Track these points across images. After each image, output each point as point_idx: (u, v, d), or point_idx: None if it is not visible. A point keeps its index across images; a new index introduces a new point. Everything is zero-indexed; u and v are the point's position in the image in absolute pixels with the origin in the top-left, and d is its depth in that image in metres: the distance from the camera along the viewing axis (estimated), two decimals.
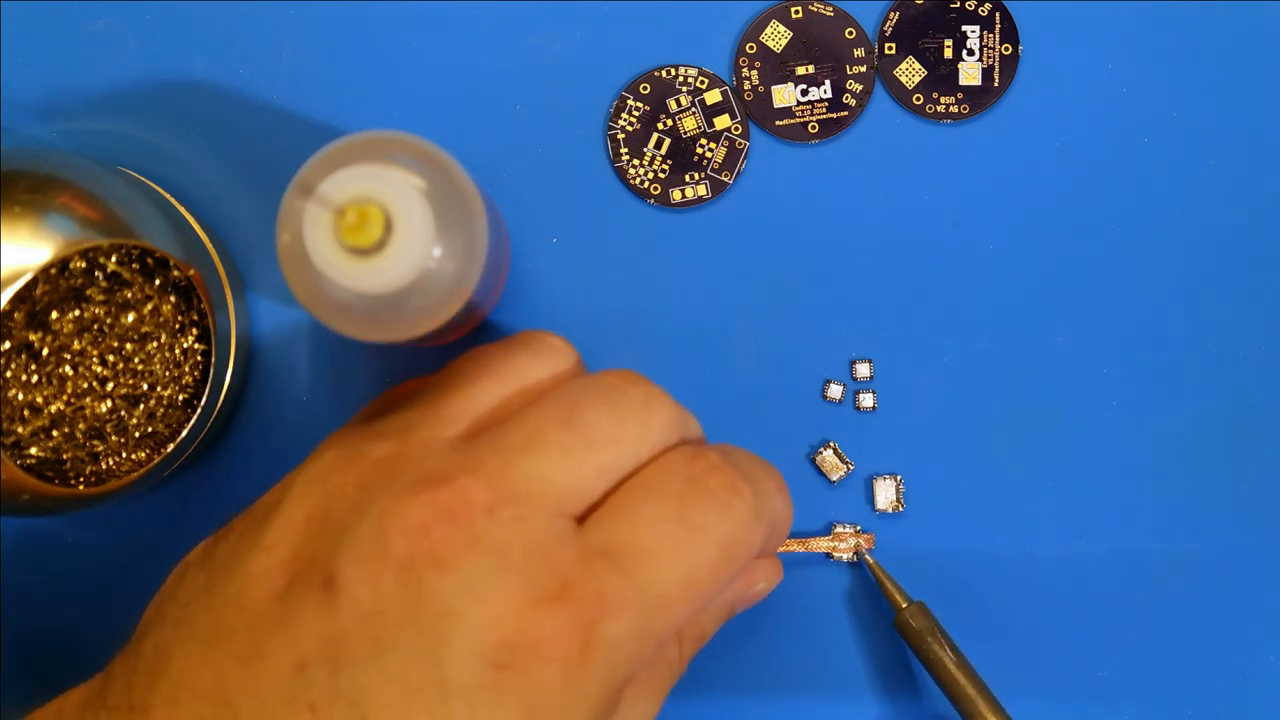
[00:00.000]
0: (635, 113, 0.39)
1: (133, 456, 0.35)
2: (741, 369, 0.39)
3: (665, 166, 0.39)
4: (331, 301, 0.30)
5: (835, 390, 0.39)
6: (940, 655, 0.37)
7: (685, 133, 0.40)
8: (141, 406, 0.35)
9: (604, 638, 0.27)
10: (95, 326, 0.34)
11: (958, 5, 0.40)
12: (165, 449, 0.36)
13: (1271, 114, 0.40)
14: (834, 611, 0.39)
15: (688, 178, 0.39)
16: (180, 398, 0.36)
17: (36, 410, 0.34)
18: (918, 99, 0.40)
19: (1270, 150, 0.40)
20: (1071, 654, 0.39)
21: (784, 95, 0.40)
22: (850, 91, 0.40)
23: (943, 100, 0.40)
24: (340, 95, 0.39)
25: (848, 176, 0.40)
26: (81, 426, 0.34)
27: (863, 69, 0.40)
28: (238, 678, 0.26)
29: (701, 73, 0.40)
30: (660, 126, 0.39)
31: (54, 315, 0.33)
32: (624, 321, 0.39)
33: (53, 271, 0.33)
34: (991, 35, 0.40)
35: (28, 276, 0.32)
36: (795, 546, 0.39)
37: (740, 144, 0.40)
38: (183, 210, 0.38)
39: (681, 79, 0.39)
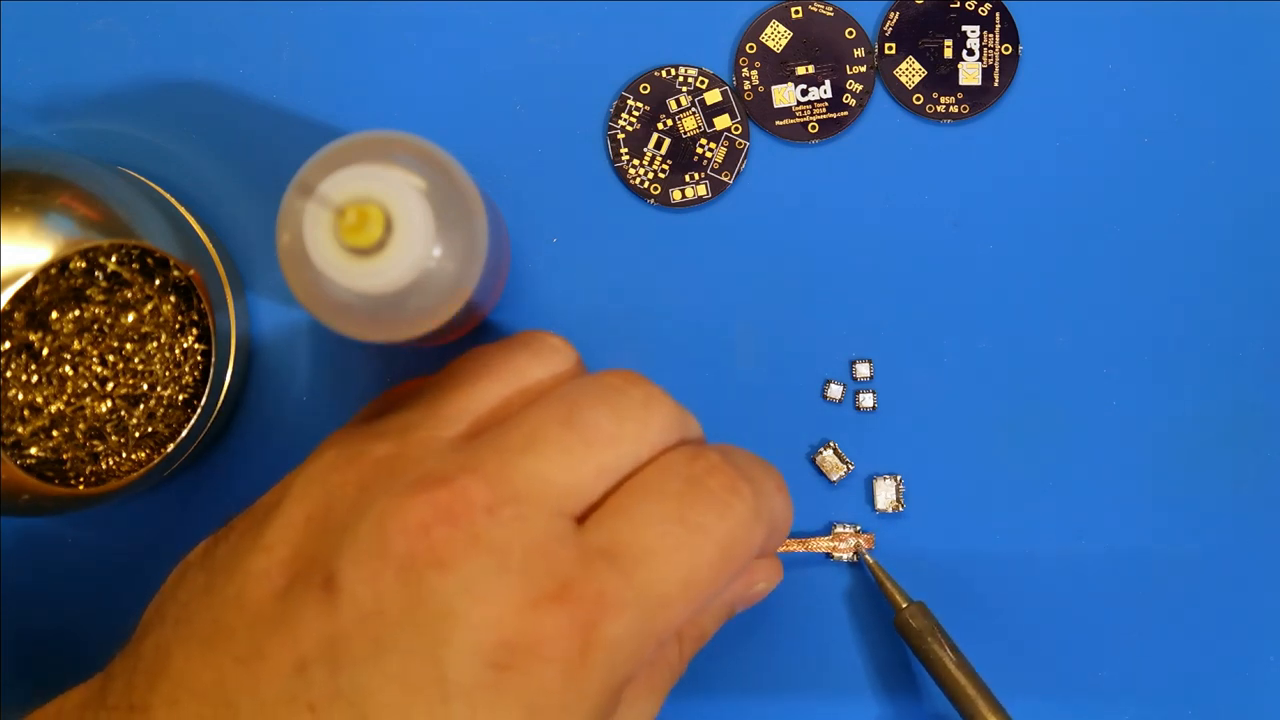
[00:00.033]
0: (635, 113, 0.39)
1: (133, 456, 0.35)
2: (741, 369, 0.39)
3: (665, 166, 0.39)
4: (331, 301, 0.30)
5: (835, 390, 0.39)
6: (940, 655, 0.37)
7: (685, 133, 0.40)
8: (141, 406, 0.35)
9: (604, 638, 0.27)
10: (95, 326, 0.34)
11: (958, 5, 0.40)
12: (165, 449, 0.36)
13: (1271, 114, 0.40)
14: (834, 611, 0.39)
15: (688, 178, 0.39)
16: (180, 398, 0.36)
17: (36, 410, 0.34)
18: (918, 99, 0.40)
19: (1270, 150, 0.40)
20: (1071, 654, 0.39)
21: (784, 95, 0.40)
22: (850, 91, 0.40)
23: (943, 100, 0.40)
24: (340, 95, 0.39)
25: (848, 176, 0.40)
26: (81, 426, 0.34)
27: (863, 69, 0.40)
28: (238, 678, 0.26)
29: (701, 73, 0.40)
30: (660, 126, 0.39)
31: (54, 315, 0.33)
32: (624, 321, 0.39)
33: (53, 271, 0.33)
34: (991, 35, 0.40)
35: (28, 276, 0.32)
36: (795, 546, 0.39)
37: (740, 144, 0.40)
38: (183, 210, 0.38)
39: (681, 79, 0.40)
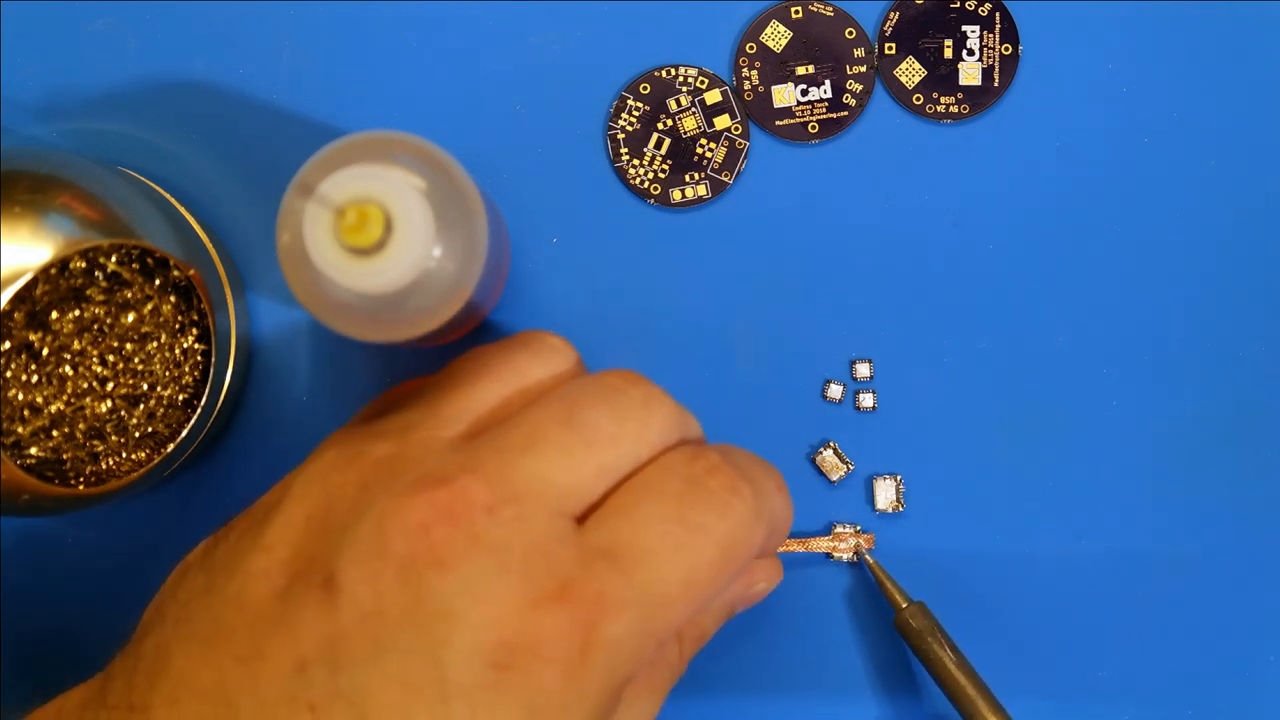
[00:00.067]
0: (635, 113, 0.39)
1: (133, 456, 0.35)
2: (741, 369, 0.39)
3: (665, 166, 0.39)
4: (331, 301, 0.30)
5: (835, 390, 0.39)
6: (940, 655, 0.37)
7: (685, 133, 0.40)
8: (141, 406, 0.35)
9: (604, 638, 0.27)
10: (95, 326, 0.34)
11: (958, 5, 0.40)
12: (165, 449, 0.36)
13: (1271, 114, 0.40)
14: (834, 611, 0.39)
15: (688, 178, 0.39)
16: (180, 398, 0.36)
17: (36, 410, 0.34)
18: (918, 99, 0.40)
19: (1270, 150, 0.40)
20: (1071, 654, 0.39)
21: (784, 95, 0.40)
22: (850, 91, 0.40)
23: (943, 100, 0.40)
24: (340, 95, 0.39)
25: (848, 176, 0.40)
26: (81, 426, 0.34)
27: (863, 69, 0.40)
28: (238, 677, 0.26)
29: (701, 73, 0.40)
30: (660, 126, 0.39)
31: (54, 315, 0.33)
32: (624, 321, 0.39)
33: (53, 271, 0.33)
34: (991, 35, 0.40)
35: (28, 276, 0.32)
36: (795, 546, 0.39)
37: (740, 144, 0.40)
38: (183, 210, 0.38)
39: (681, 79, 0.40)
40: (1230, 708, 0.39)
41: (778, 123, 0.40)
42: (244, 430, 0.39)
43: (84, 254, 0.33)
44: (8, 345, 0.33)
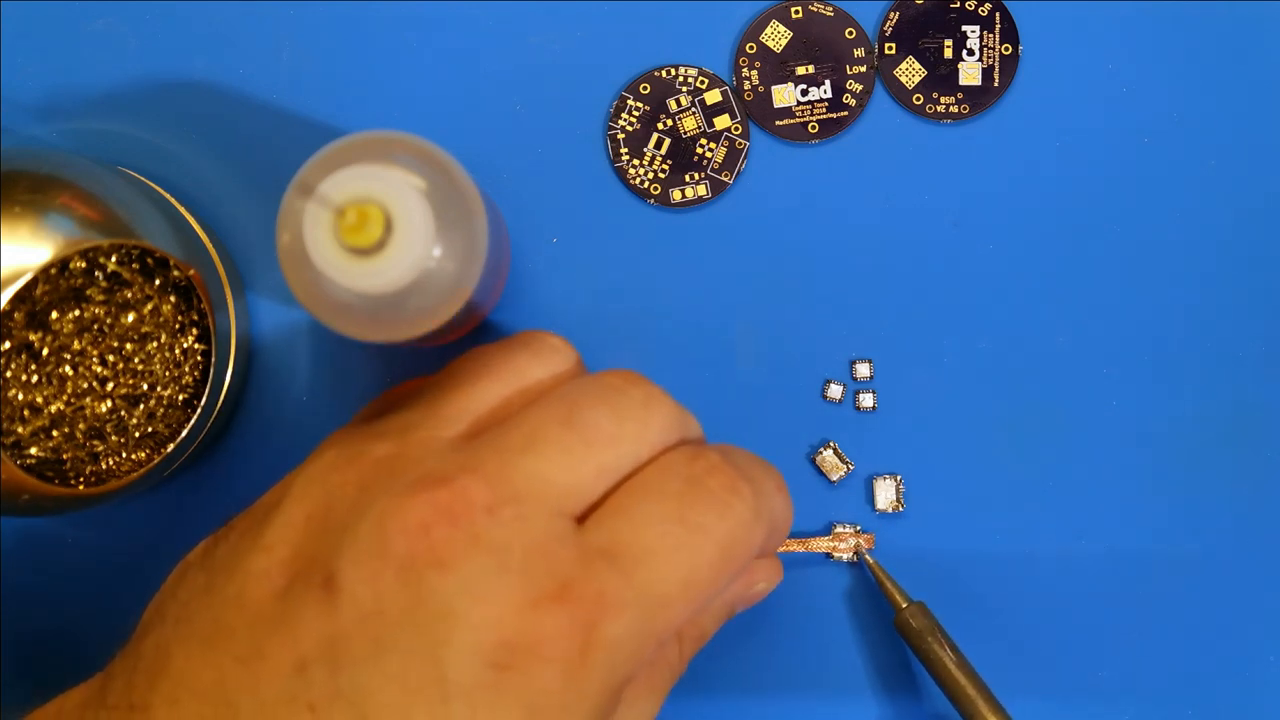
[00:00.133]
0: (635, 113, 0.39)
1: (133, 456, 0.35)
2: (741, 369, 0.39)
3: (665, 166, 0.39)
4: (331, 301, 0.30)
5: (835, 390, 0.39)
6: (940, 655, 0.37)
7: (685, 133, 0.40)
8: (141, 406, 0.35)
9: (604, 638, 0.27)
10: (95, 326, 0.34)
11: (958, 5, 0.40)
12: (165, 449, 0.36)
13: (1271, 114, 0.40)
14: (834, 611, 0.39)
15: (688, 178, 0.39)
16: (180, 398, 0.36)
17: (36, 410, 0.34)
18: (918, 99, 0.40)
19: (1270, 150, 0.40)
20: (1071, 654, 0.39)
21: (784, 95, 0.40)
22: (850, 91, 0.40)
23: (943, 100, 0.40)
24: (340, 95, 0.39)
25: (848, 176, 0.40)
26: (81, 426, 0.34)
27: (863, 69, 0.40)
28: (238, 677, 0.26)
29: (701, 73, 0.40)
30: (660, 126, 0.39)
31: (54, 315, 0.33)
32: (624, 321, 0.39)
33: (53, 271, 0.33)
34: (991, 35, 0.40)
35: (28, 276, 0.32)
36: (795, 546, 0.39)
37: (740, 144, 0.40)
38: (183, 210, 0.38)
39: (681, 79, 0.40)
40: (1230, 708, 0.39)
41: (778, 123, 0.40)
42: (244, 430, 0.39)
43: (84, 254, 0.33)
44: (8, 345, 0.33)
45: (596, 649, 0.26)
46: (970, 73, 0.40)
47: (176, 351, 0.36)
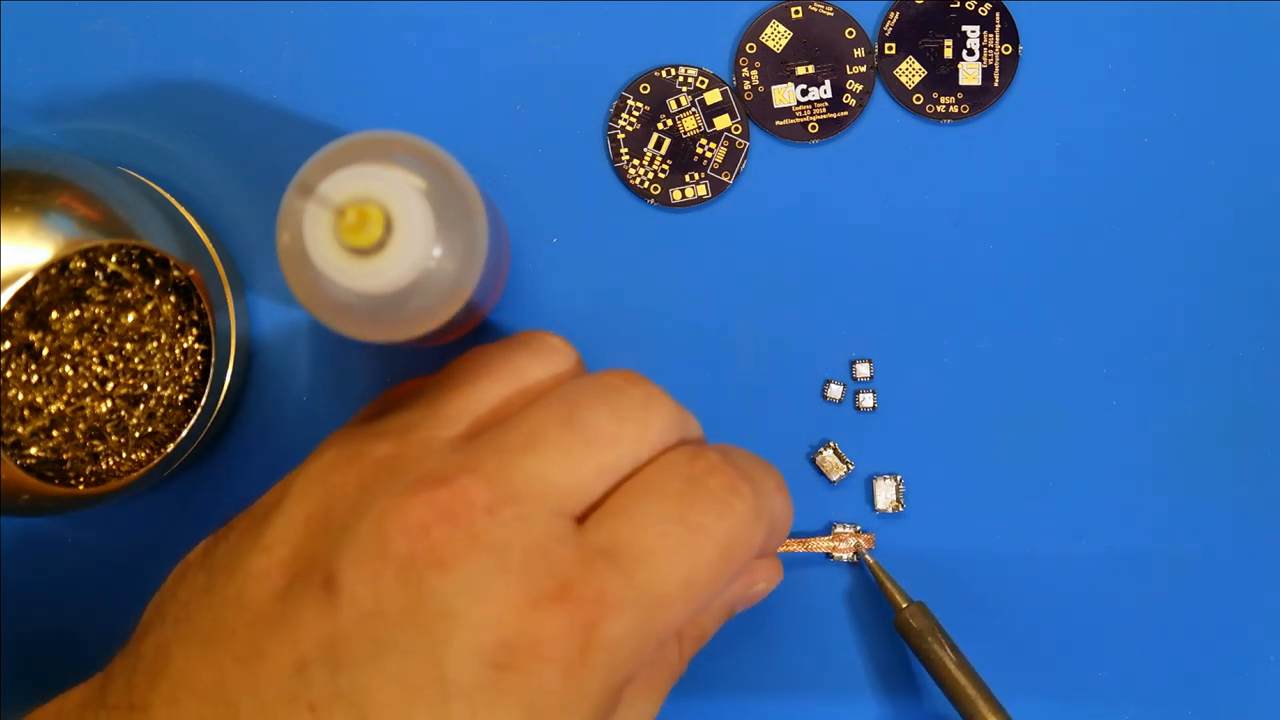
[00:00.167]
0: (635, 113, 0.39)
1: (133, 456, 0.35)
2: (741, 369, 0.39)
3: (665, 166, 0.39)
4: (331, 301, 0.30)
5: (835, 390, 0.39)
6: (940, 655, 0.37)
7: (685, 133, 0.40)
8: (141, 406, 0.35)
9: (604, 638, 0.27)
10: (95, 326, 0.34)
11: (958, 5, 0.40)
12: (165, 449, 0.36)
13: (1271, 114, 0.40)
14: (834, 611, 0.39)
15: (688, 178, 0.39)
16: (180, 398, 0.36)
17: (36, 410, 0.34)
18: (918, 99, 0.40)
19: (1270, 150, 0.40)
20: (1071, 654, 0.39)
21: (784, 95, 0.40)
22: (850, 91, 0.40)
23: (943, 100, 0.40)
24: (340, 95, 0.39)
25: (848, 176, 0.40)
26: (81, 426, 0.34)
27: (863, 69, 0.40)
28: (238, 677, 0.26)
29: (701, 73, 0.40)
30: (660, 126, 0.39)
31: (54, 315, 0.33)
32: (624, 321, 0.39)
33: (53, 271, 0.33)
34: (991, 35, 0.40)
35: (28, 276, 0.32)
36: (795, 546, 0.39)
37: (740, 144, 0.40)
38: (183, 210, 0.38)
39: (681, 79, 0.40)
40: (1230, 708, 0.39)
41: (778, 123, 0.40)
42: (244, 430, 0.39)
43: (84, 254, 0.33)
44: (8, 345, 0.33)
45: (596, 649, 0.26)
46: (970, 73, 0.40)
47: (176, 351, 0.36)
